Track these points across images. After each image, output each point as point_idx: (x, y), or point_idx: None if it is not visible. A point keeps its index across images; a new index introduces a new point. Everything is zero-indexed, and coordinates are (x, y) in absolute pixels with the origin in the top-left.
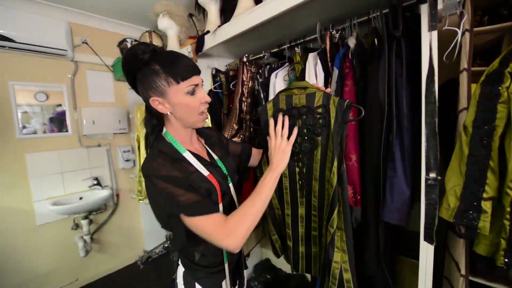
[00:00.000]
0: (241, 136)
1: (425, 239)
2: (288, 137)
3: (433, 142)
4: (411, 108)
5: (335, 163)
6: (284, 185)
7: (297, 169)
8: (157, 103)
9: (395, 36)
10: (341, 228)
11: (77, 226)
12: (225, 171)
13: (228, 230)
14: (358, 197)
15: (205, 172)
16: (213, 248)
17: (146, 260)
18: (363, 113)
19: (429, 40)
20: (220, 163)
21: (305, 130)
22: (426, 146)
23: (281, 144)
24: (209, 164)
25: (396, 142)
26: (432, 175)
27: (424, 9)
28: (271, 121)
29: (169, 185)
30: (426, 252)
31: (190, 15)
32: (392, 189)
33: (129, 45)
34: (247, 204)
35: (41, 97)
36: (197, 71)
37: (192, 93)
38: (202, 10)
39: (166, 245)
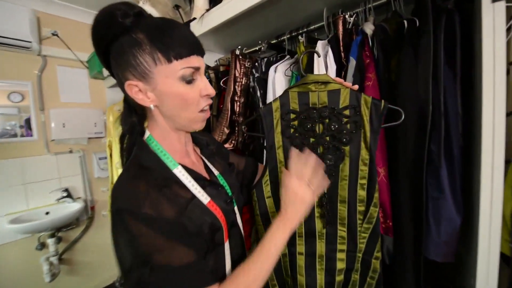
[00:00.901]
0: (233, 142)
1: None
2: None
3: None
4: (465, 108)
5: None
6: None
7: None
8: (136, 90)
9: (445, 10)
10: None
11: (42, 245)
12: (229, 192)
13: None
14: (390, 223)
15: (205, 199)
16: None
17: None
18: (403, 117)
19: (492, 16)
20: (222, 181)
21: (327, 138)
22: None
23: (303, 188)
24: (209, 183)
25: (442, 152)
26: None
27: None
28: (294, 151)
29: (149, 230)
30: None
31: (177, 7)
32: (438, 215)
33: None
34: (248, 272)
35: (16, 97)
36: (199, 50)
37: (190, 80)
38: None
39: None
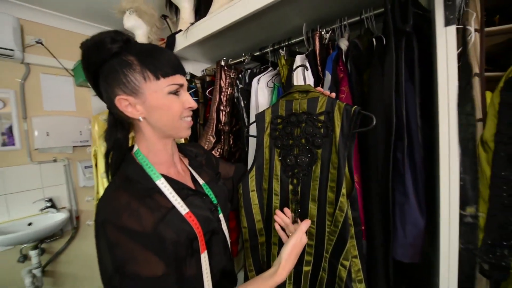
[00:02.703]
0: (219, 150)
1: None
2: None
3: (471, 167)
4: (426, 120)
5: (344, 184)
6: (274, 205)
7: (290, 187)
8: (126, 104)
9: (404, 32)
10: (356, 257)
11: (25, 257)
12: (214, 200)
13: None
14: (362, 228)
15: (183, 210)
16: None
17: None
18: (374, 122)
19: (445, 37)
20: (207, 190)
21: (303, 140)
22: (462, 171)
23: (300, 244)
24: (194, 193)
25: (406, 160)
26: (470, 209)
27: (438, 1)
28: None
29: (127, 239)
30: None
31: (164, 17)
32: (403, 219)
33: None
34: None
35: None
36: (182, 70)
37: (175, 93)
38: (174, 9)
39: None
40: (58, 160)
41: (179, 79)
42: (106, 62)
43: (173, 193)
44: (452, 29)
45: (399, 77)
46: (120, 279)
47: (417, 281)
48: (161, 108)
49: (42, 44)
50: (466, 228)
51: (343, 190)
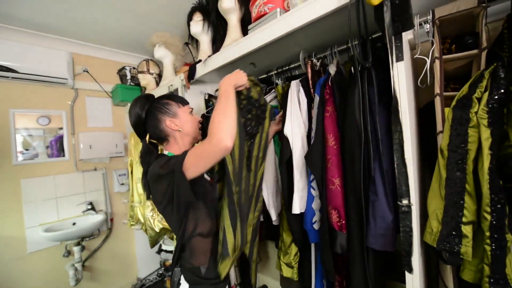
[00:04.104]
0: None
1: (403, 268)
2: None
3: (402, 169)
4: (389, 133)
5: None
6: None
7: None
8: (171, 123)
9: (365, 67)
10: None
11: (68, 253)
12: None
13: (214, 136)
14: (343, 222)
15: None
16: (215, 261)
17: None
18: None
19: (396, 71)
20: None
21: (254, 120)
22: (397, 172)
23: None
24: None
25: (375, 166)
26: (405, 201)
27: (390, 42)
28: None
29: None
30: (412, 280)
31: (187, 44)
32: (374, 213)
33: (127, 72)
34: (215, 111)
35: (44, 121)
36: (188, 103)
37: (191, 113)
38: (195, 40)
39: (160, 272)
40: (97, 169)
41: (189, 106)
42: (147, 115)
43: None
44: (401, 64)
45: (364, 100)
46: (181, 162)
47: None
48: (190, 121)
49: (88, 72)
50: (403, 215)
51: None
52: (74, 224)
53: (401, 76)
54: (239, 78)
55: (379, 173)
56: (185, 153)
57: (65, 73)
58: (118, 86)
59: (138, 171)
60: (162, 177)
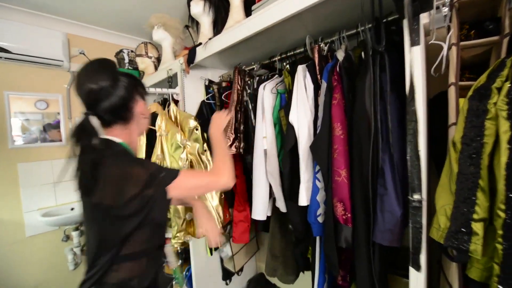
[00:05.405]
0: (236, 146)
1: (412, 265)
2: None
3: (415, 162)
4: (400, 124)
5: None
6: None
7: None
8: (142, 107)
9: (378, 51)
10: None
11: (67, 237)
12: None
13: (223, 177)
14: (349, 215)
15: None
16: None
17: None
18: None
19: (412, 56)
20: None
21: None
22: (410, 165)
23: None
24: None
25: (385, 158)
26: (416, 196)
27: (406, 24)
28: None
29: (148, 168)
30: (417, 278)
31: (187, 27)
32: (383, 207)
33: (125, 56)
34: (218, 154)
35: (42, 105)
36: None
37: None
38: (196, 23)
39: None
40: None
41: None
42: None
43: None
44: (418, 49)
45: (375, 87)
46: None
47: (400, 268)
48: (148, 114)
49: (84, 54)
50: (414, 211)
51: None
52: (72, 209)
53: (417, 62)
54: (223, 122)
55: (389, 165)
56: (177, 172)
57: (60, 54)
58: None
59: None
60: (143, 183)
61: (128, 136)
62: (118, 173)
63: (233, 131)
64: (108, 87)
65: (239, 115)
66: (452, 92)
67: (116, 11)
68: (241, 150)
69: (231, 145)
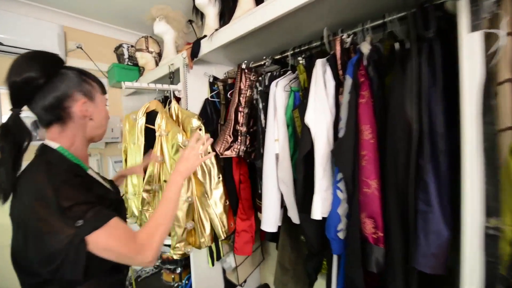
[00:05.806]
0: (235, 150)
1: None
2: None
3: (494, 177)
4: (450, 126)
5: None
6: None
7: None
8: (84, 106)
9: (426, 38)
10: None
11: None
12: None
13: (146, 252)
14: (381, 234)
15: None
16: None
17: (135, 279)
18: None
19: (471, 44)
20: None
21: None
22: (485, 181)
23: (188, 153)
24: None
25: (429, 168)
26: (494, 222)
27: (463, 6)
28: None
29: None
30: None
31: (190, 22)
32: (426, 228)
33: (125, 51)
34: (157, 216)
35: None
36: (106, 91)
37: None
38: (200, 15)
39: (157, 264)
40: (92, 155)
41: (106, 97)
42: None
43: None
44: (478, 35)
45: (422, 83)
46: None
47: None
48: (104, 115)
49: (82, 49)
50: (489, 240)
51: None
52: None
53: (479, 50)
54: (196, 163)
55: (433, 177)
56: (103, 220)
57: (55, 48)
58: (114, 65)
59: (132, 158)
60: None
61: (68, 140)
62: (30, 199)
63: (231, 134)
64: (34, 81)
65: (239, 117)
66: (507, 89)
67: (116, 3)
68: (241, 154)
69: (228, 148)
